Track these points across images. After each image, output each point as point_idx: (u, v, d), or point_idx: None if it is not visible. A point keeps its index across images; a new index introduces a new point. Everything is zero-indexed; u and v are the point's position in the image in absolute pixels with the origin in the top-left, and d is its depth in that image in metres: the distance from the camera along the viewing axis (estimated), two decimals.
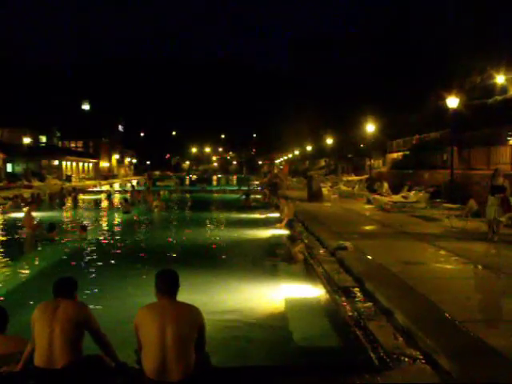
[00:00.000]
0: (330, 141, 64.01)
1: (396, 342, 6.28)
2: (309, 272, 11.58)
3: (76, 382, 4.98)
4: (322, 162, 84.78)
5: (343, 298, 8.54)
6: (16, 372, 5.22)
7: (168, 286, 5.03)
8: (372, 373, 5.40)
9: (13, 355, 5.50)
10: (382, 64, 60.26)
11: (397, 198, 25.51)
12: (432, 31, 51.81)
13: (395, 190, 28.53)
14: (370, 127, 42.19)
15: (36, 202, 28.69)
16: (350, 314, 7.72)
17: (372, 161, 51.42)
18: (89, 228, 19.08)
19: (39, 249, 16.01)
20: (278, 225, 19.54)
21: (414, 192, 25.94)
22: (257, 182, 56.17)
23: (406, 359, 5.70)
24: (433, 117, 37.75)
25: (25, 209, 24.10)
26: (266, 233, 18.67)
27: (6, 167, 60.42)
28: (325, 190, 33.42)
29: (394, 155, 49.14)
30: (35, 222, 19.11)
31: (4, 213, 26.70)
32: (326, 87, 78.91)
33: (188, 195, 44.85)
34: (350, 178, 46.72)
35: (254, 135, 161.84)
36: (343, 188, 37.30)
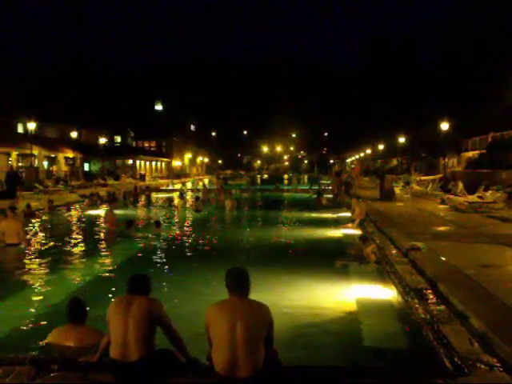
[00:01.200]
0: (402, 139, 62.68)
1: (471, 347, 6.08)
2: (381, 273, 11.40)
3: (149, 375, 5.12)
4: (395, 161, 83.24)
5: (416, 300, 8.36)
6: (93, 363, 5.45)
7: (238, 284, 5.10)
8: (445, 378, 5.25)
9: (91, 347, 5.75)
10: (457, 60, 58.65)
11: (472, 198, 24.72)
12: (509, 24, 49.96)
13: (470, 189, 27.63)
14: (445, 125, 41.11)
15: (114, 200, 29.66)
16: (423, 316, 7.56)
17: (446, 160, 50.08)
18: (162, 225, 19.54)
19: (118, 245, 16.53)
20: (350, 224, 19.34)
21: (490, 192, 25.06)
22: (328, 182, 55.61)
23: (482, 366, 5.51)
24: None
25: (105, 206, 25.04)
26: (337, 232, 18.47)
27: (83, 166, 62.83)
28: (397, 190, 32.81)
29: (470, 154, 47.64)
30: (116, 220, 19.81)
31: (82, 210, 27.78)
32: (398, 84, 77.48)
33: (259, 194, 45.04)
34: (423, 178, 45.51)
35: (326, 134, 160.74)
36: (416, 187, 36.52)
